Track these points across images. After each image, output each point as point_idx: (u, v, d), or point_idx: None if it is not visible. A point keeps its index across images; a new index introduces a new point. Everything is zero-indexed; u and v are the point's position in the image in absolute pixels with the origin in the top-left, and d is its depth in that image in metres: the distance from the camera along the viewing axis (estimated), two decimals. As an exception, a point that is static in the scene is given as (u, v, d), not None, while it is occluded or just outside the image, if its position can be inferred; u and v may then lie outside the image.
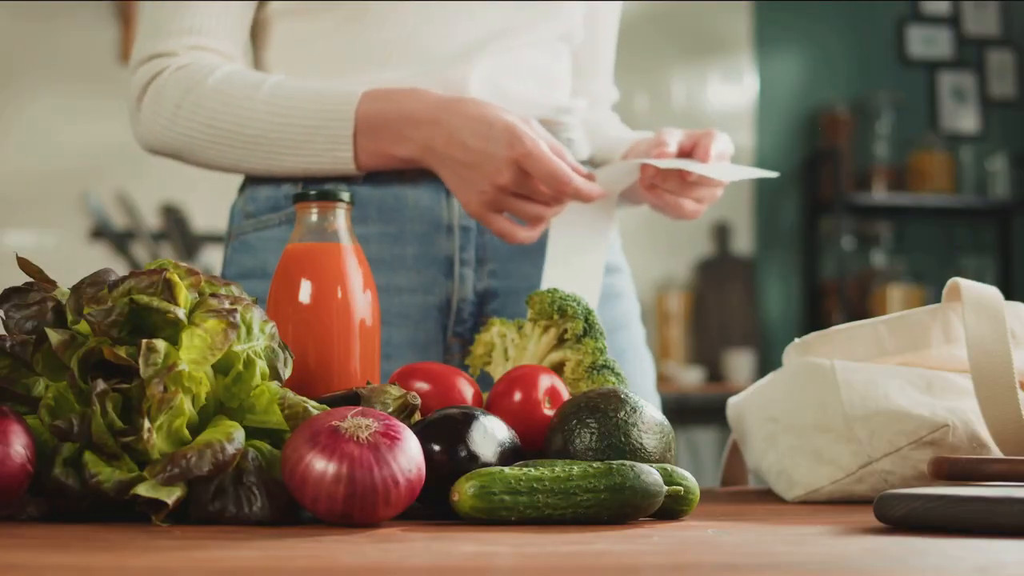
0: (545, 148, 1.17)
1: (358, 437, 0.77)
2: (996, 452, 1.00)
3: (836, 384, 1.04)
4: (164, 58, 1.29)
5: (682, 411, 4.09)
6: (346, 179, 1.27)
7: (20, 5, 4.13)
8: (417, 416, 0.89)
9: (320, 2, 1.29)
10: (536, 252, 1.33)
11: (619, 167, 1.28)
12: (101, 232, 4.22)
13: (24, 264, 0.84)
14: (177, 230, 4.22)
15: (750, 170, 1.26)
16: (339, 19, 1.29)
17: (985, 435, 1.01)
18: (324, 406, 0.83)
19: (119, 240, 4.22)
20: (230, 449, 0.77)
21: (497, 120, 1.18)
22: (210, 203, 3.81)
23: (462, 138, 1.19)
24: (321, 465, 0.76)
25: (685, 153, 1.26)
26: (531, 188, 1.19)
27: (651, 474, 0.82)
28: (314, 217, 1.04)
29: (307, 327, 1.02)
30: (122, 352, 0.78)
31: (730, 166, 1.27)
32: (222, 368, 0.83)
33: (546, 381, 0.97)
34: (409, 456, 0.78)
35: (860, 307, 4.70)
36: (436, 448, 0.84)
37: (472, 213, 1.22)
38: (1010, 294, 1.12)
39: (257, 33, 1.37)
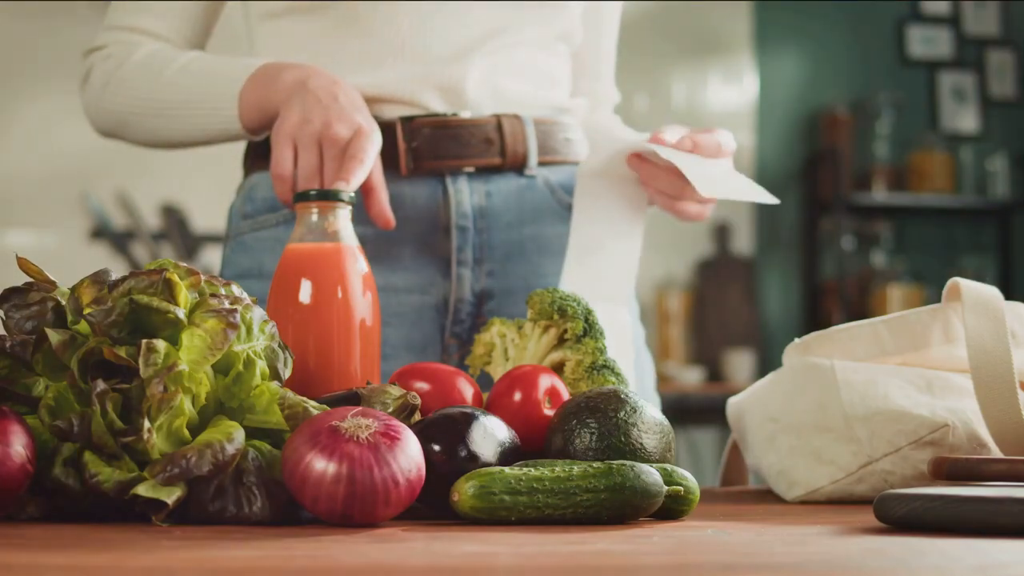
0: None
1: (358, 437, 0.77)
2: (996, 452, 1.00)
3: (836, 384, 1.04)
4: (95, 52, 1.35)
5: (682, 411, 4.09)
6: None
7: (20, 5, 4.13)
8: (417, 416, 0.89)
9: (315, 2, 1.29)
10: (536, 253, 1.33)
11: (606, 152, 1.26)
12: (101, 232, 4.22)
13: (24, 264, 0.84)
14: (177, 230, 4.22)
15: (746, 190, 1.20)
16: (334, 20, 1.29)
17: (985, 435, 1.01)
18: (324, 406, 0.83)
19: (119, 240, 4.22)
20: (230, 449, 0.77)
21: (370, 115, 1.20)
22: (210, 203, 3.81)
23: (337, 85, 1.19)
24: (321, 465, 0.76)
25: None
26: (335, 152, 1.16)
27: (651, 474, 0.82)
28: (314, 217, 1.04)
29: (307, 327, 1.02)
30: (122, 352, 0.78)
31: (726, 178, 1.22)
32: (222, 368, 0.83)
33: (546, 381, 0.97)
34: (409, 456, 0.78)
35: (860, 307, 4.70)
36: (436, 448, 0.84)
37: (281, 130, 1.17)
38: (1010, 294, 1.12)
39: (251, 35, 1.37)
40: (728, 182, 1.21)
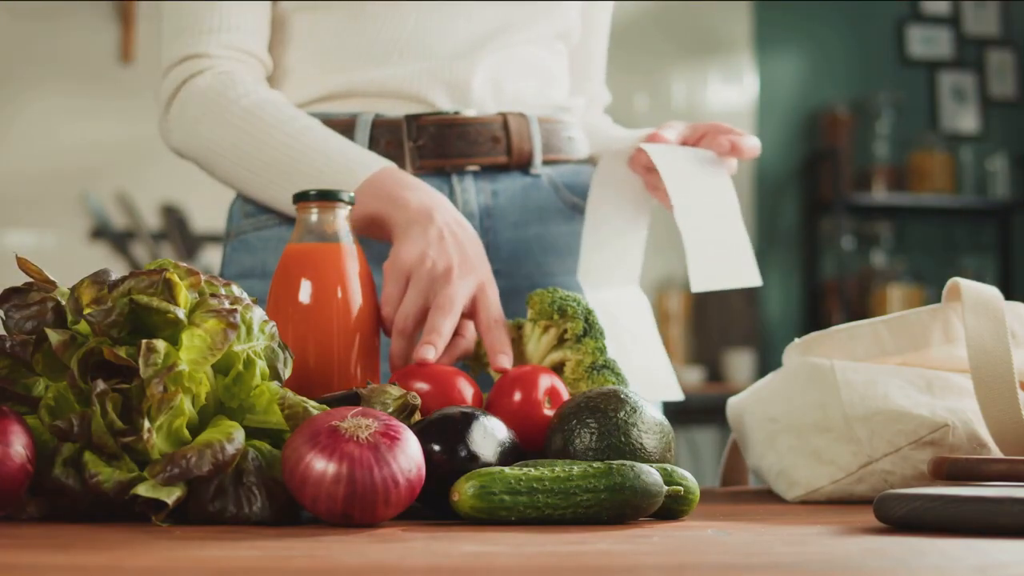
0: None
1: (358, 437, 0.77)
2: (996, 452, 1.00)
3: (836, 384, 1.04)
4: (199, 59, 1.27)
5: (682, 411, 4.09)
6: None
7: (20, 5, 4.14)
8: (417, 416, 0.89)
9: (321, 1, 1.29)
10: (541, 252, 1.33)
11: (612, 158, 1.27)
12: (101, 232, 4.22)
13: (24, 264, 0.84)
14: (177, 230, 4.22)
15: (734, 272, 1.17)
16: (343, 16, 1.29)
17: (985, 435, 1.01)
18: (324, 406, 0.83)
19: (119, 240, 4.22)
20: (230, 449, 0.77)
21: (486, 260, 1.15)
22: (210, 203, 3.81)
23: (463, 229, 1.14)
24: (321, 465, 0.76)
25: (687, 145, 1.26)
26: (445, 305, 1.09)
27: (651, 474, 0.82)
28: (314, 217, 1.04)
29: (307, 327, 1.02)
30: (122, 352, 0.78)
31: (719, 241, 1.18)
32: (222, 368, 0.83)
33: (546, 381, 0.97)
34: (409, 456, 0.78)
35: (860, 307, 4.71)
36: (436, 448, 0.84)
37: (400, 263, 1.11)
38: (1010, 294, 1.13)
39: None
40: (720, 259, 1.17)
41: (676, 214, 1.16)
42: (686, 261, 1.14)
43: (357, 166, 1.19)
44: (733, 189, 1.23)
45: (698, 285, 1.15)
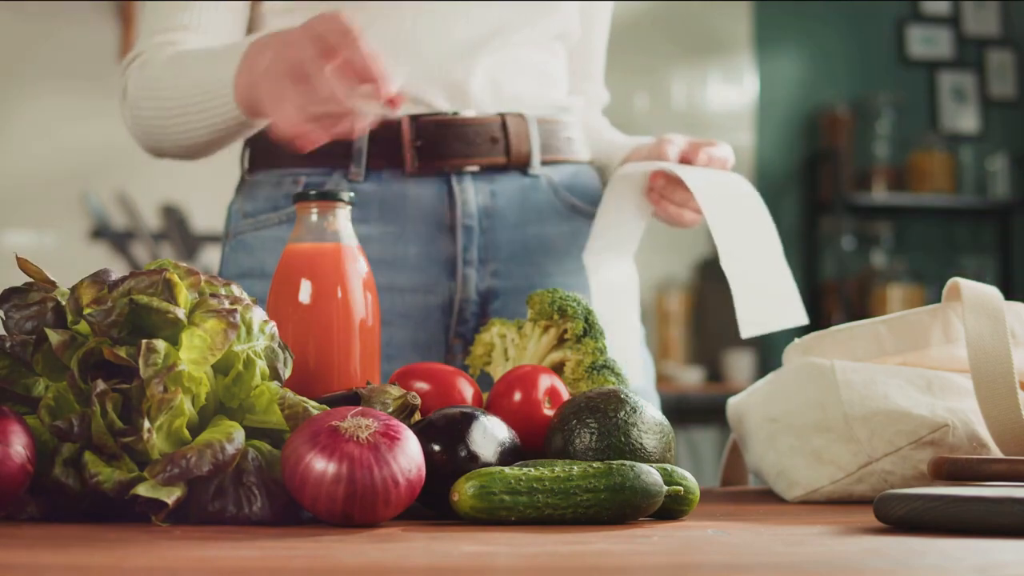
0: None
1: (358, 437, 0.77)
2: (996, 452, 1.00)
3: (836, 384, 1.04)
4: (132, 62, 1.28)
5: (682, 411, 4.09)
6: (347, 176, 1.26)
7: (20, 5, 4.13)
8: (417, 416, 0.89)
9: (319, 1, 1.29)
10: (539, 253, 1.33)
11: (637, 168, 1.28)
12: (101, 232, 4.22)
13: (24, 264, 0.84)
14: (177, 230, 4.22)
15: (782, 309, 1.16)
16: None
17: (985, 435, 1.01)
18: (324, 406, 0.83)
19: (119, 240, 4.22)
20: (230, 449, 0.77)
21: (296, 28, 1.08)
22: (210, 203, 3.81)
23: (269, 44, 1.11)
24: (321, 465, 0.76)
25: (685, 162, 1.26)
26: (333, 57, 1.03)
27: (651, 474, 0.82)
28: (314, 217, 1.04)
29: (307, 327, 1.02)
30: (122, 352, 0.78)
31: (761, 269, 1.18)
32: (222, 368, 0.83)
33: (546, 381, 0.97)
34: (409, 456, 0.78)
35: (860, 307, 4.70)
36: (436, 448, 0.84)
37: (287, 123, 1.06)
38: (1010, 294, 1.12)
39: (253, 33, 1.36)
40: (768, 300, 1.17)
41: (722, 259, 1.16)
42: (734, 305, 1.14)
43: (231, 54, 1.17)
44: (772, 222, 1.22)
45: (747, 331, 1.15)
